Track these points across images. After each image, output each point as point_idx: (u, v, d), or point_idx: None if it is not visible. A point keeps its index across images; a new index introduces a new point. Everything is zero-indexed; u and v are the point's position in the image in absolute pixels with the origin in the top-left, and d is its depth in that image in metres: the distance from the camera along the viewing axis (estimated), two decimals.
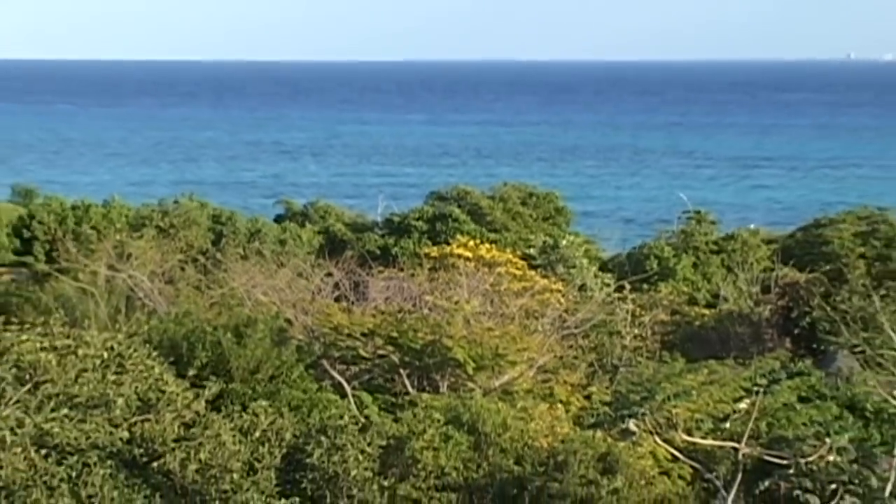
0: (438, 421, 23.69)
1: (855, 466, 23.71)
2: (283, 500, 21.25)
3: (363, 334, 30.93)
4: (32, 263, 51.69)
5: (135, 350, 23.18)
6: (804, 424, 26.91)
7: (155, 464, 21.24)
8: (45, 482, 20.40)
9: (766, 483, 23.79)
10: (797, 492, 23.39)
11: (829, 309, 38.85)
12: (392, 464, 22.25)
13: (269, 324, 28.70)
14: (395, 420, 24.07)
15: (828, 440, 24.20)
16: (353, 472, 21.61)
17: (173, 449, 21.19)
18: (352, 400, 27.92)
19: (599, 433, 24.13)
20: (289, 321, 33.87)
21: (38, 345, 21.64)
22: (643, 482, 23.01)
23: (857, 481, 23.47)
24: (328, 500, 21.63)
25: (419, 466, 22.24)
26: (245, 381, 26.03)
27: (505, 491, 22.60)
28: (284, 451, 22.14)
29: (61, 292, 38.09)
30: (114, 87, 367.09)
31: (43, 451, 20.68)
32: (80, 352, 22.01)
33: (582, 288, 43.21)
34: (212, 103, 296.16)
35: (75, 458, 20.90)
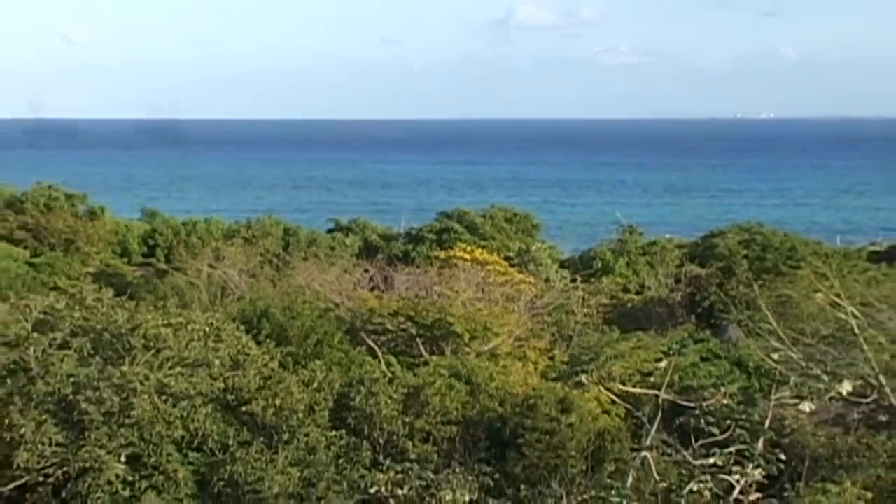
0: (444, 375, 23.71)
1: (742, 407, 23.69)
2: (333, 432, 21.30)
3: (390, 314, 30.97)
4: (155, 263, 51.54)
5: (227, 325, 23.25)
6: (705, 377, 26.95)
7: (243, 407, 21.28)
8: (164, 419, 20.49)
9: (680, 419, 23.78)
10: (702, 425, 23.38)
11: (722, 294, 38.87)
12: (411, 405, 22.28)
13: (309, 302, 28.61)
14: (413, 375, 24.09)
15: (722, 388, 24.17)
16: (384, 412, 21.65)
17: (256, 396, 21.25)
18: (382, 360, 27.94)
19: (559, 384, 24.15)
20: (337, 305, 33.89)
21: (159, 321, 21.70)
22: (590, 419, 23.05)
23: (743, 417, 23.44)
24: (366, 432, 21.65)
25: (430, 407, 22.26)
26: (299, 344, 25.97)
27: (492, 425, 22.62)
28: (334, 396, 22.18)
29: (175, 284, 38.12)
30: (207, 139, 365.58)
31: (163, 397, 20.76)
32: (189, 326, 22.06)
33: (546, 280, 43.16)
34: (278, 150, 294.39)
35: (186, 402, 20.98)
